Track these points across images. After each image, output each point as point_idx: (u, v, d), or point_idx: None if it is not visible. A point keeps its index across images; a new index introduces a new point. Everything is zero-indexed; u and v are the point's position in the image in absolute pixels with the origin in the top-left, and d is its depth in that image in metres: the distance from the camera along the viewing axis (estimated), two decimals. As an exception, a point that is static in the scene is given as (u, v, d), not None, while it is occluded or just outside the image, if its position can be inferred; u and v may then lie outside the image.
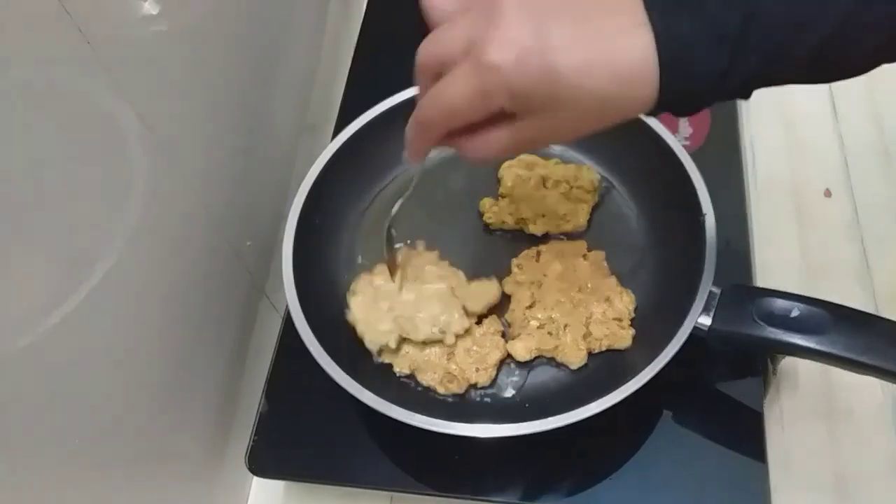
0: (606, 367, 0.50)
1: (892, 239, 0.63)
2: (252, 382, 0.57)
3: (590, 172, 0.57)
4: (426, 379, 0.50)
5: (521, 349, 0.50)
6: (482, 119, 0.34)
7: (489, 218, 0.57)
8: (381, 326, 0.50)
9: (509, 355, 0.51)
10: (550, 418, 0.43)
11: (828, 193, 0.65)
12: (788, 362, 0.55)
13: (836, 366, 0.44)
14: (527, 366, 0.51)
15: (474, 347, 0.50)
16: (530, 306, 0.52)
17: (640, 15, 0.31)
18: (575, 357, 0.50)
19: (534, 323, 0.51)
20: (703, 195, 0.51)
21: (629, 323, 0.51)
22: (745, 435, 0.50)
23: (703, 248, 0.48)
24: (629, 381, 0.44)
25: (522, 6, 0.32)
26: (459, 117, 0.34)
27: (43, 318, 0.34)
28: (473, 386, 0.50)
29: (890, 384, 0.48)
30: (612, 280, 0.52)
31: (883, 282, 0.60)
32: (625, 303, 0.51)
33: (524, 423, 0.44)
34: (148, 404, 0.45)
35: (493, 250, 0.56)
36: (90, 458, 0.39)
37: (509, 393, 0.50)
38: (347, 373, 0.46)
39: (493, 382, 0.50)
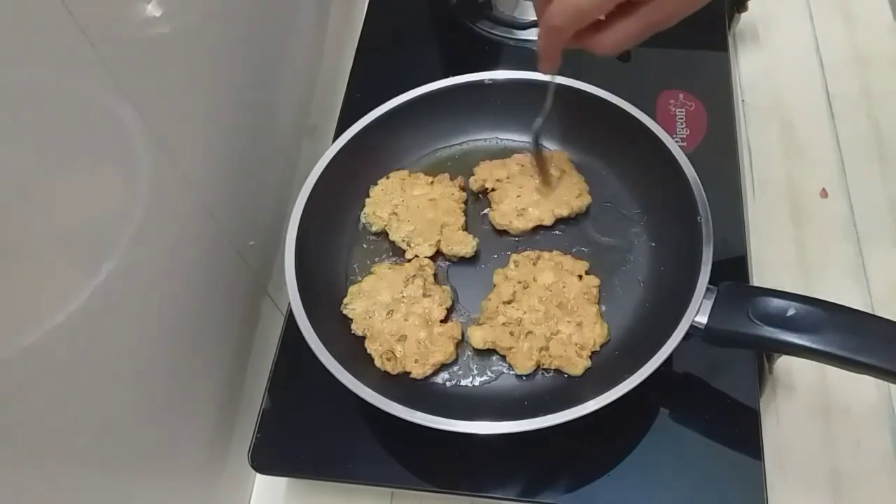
0: (605, 366, 0.50)
1: (888, 239, 0.63)
2: (255, 380, 0.57)
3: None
4: (371, 347, 0.51)
5: (478, 338, 0.51)
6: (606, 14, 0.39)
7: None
8: (381, 211, 0.57)
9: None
10: (549, 415, 0.44)
11: (824, 193, 0.66)
12: (784, 361, 0.55)
13: (832, 364, 0.44)
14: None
15: (426, 342, 0.51)
16: (507, 302, 0.52)
17: None
18: (523, 365, 0.50)
19: (501, 318, 0.51)
20: (699, 195, 0.51)
21: (589, 354, 0.50)
22: (741, 433, 0.50)
23: (700, 248, 0.49)
24: (627, 378, 0.44)
25: None
26: (589, 17, 0.39)
27: (47, 318, 0.35)
28: (406, 374, 0.51)
29: (885, 382, 0.49)
30: (594, 309, 0.52)
31: (878, 281, 0.61)
32: (595, 334, 0.50)
33: (523, 421, 0.44)
34: (151, 402, 0.45)
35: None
36: (94, 455, 0.39)
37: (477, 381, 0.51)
38: (349, 370, 0.46)
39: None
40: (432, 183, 0.59)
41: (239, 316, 0.57)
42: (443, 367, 0.51)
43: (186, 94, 0.47)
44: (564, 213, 0.56)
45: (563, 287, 0.52)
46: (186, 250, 0.48)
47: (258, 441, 0.52)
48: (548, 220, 0.56)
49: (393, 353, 0.51)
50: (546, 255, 0.54)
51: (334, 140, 0.58)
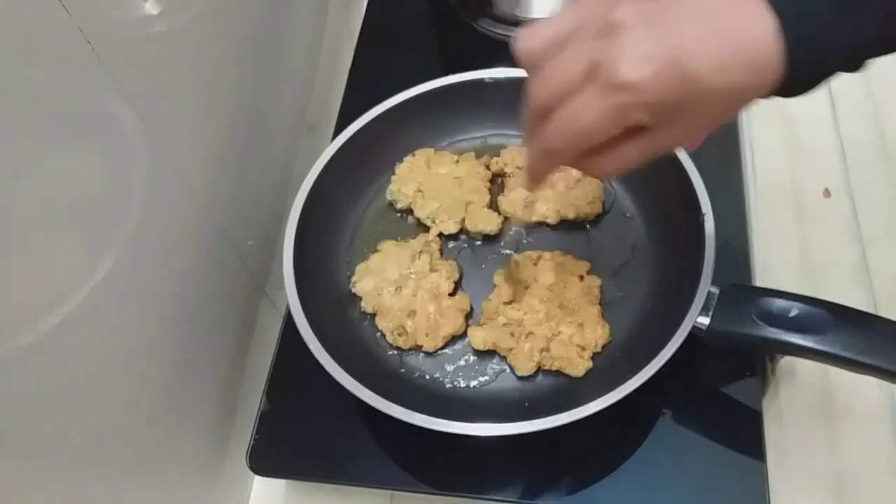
0: (606, 367, 0.50)
1: (891, 239, 0.63)
2: (253, 381, 0.57)
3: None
4: (381, 323, 0.52)
5: (478, 338, 0.51)
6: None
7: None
8: (406, 188, 0.58)
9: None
10: (550, 417, 0.44)
11: (827, 193, 0.65)
12: (787, 362, 0.55)
13: (835, 365, 0.44)
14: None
15: (436, 315, 0.51)
16: (508, 303, 0.52)
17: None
18: (523, 366, 0.50)
19: (501, 319, 0.51)
20: (702, 195, 0.51)
21: (590, 355, 0.50)
22: (743, 434, 0.50)
23: (703, 248, 0.48)
24: (628, 380, 0.44)
25: (640, 16, 0.31)
26: (593, 140, 0.34)
27: (44, 318, 0.34)
28: (419, 347, 0.51)
29: (888, 384, 0.49)
30: (595, 310, 0.52)
31: (882, 281, 0.61)
32: (596, 335, 0.50)
33: (524, 422, 0.44)
34: (149, 404, 0.45)
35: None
36: (91, 457, 0.39)
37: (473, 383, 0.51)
38: (348, 371, 0.46)
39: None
40: (458, 161, 0.59)
41: (237, 316, 0.56)
42: (450, 341, 0.52)
43: (184, 93, 0.47)
44: (570, 215, 0.56)
45: (565, 287, 0.52)
46: (184, 250, 0.48)
47: (256, 443, 0.52)
48: (552, 219, 0.56)
49: (404, 328, 0.51)
50: (547, 255, 0.54)
51: (333, 139, 0.57)
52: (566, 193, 0.56)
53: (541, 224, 0.56)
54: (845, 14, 0.31)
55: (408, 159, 0.59)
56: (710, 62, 0.31)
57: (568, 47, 0.33)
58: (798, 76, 0.32)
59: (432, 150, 0.60)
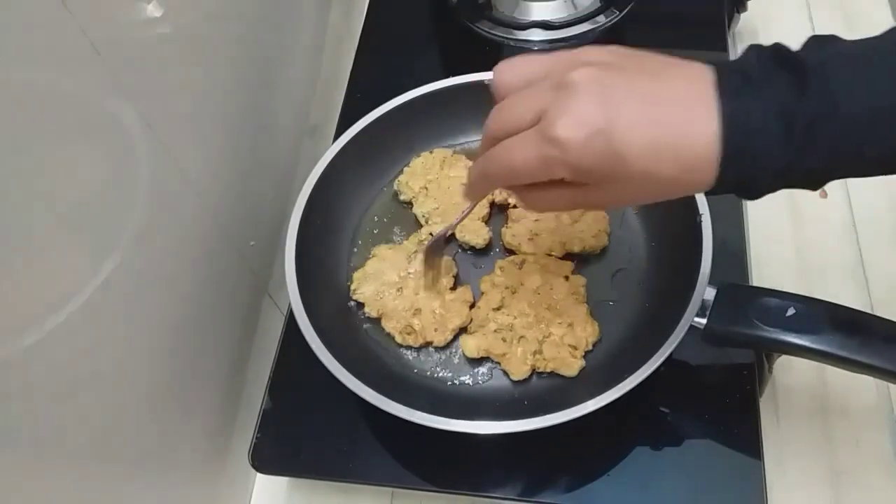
0: (604, 366, 0.50)
1: (888, 239, 0.63)
2: (255, 380, 0.57)
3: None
4: (388, 325, 0.52)
5: (472, 346, 0.51)
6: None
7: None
8: (413, 183, 0.58)
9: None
10: (549, 415, 0.44)
11: (823, 194, 0.66)
12: (784, 361, 0.55)
13: (831, 364, 0.44)
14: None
15: (440, 310, 0.52)
16: (497, 309, 0.52)
17: (711, 99, 0.31)
18: (518, 370, 0.50)
19: (492, 325, 0.51)
20: (699, 196, 0.51)
21: (582, 354, 0.50)
22: (741, 432, 0.50)
23: (700, 248, 0.49)
24: (626, 378, 0.44)
25: (594, 83, 0.32)
26: (520, 178, 0.35)
27: (48, 317, 0.35)
28: (429, 343, 0.52)
29: (884, 382, 0.49)
30: (583, 308, 0.52)
31: (878, 281, 0.61)
32: (586, 333, 0.51)
33: (523, 420, 0.44)
34: (152, 402, 0.45)
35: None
36: (95, 455, 0.39)
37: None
38: (349, 370, 0.47)
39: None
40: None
41: (239, 316, 0.57)
42: (450, 341, 0.52)
43: (187, 94, 0.47)
44: (576, 249, 0.55)
45: (551, 289, 0.53)
46: (187, 251, 0.48)
47: (259, 441, 0.52)
48: (557, 252, 0.55)
49: (411, 327, 0.52)
50: (531, 258, 0.54)
51: (335, 140, 0.58)
52: (571, 226, 0.56)
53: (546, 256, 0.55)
54: (790, 143, 0.31)
55: (425, 155, 0.60)
56: (641, 146, 0.31)
57: (531, 89, 0.34)
58: (735, 186, 0.33)
59: (450, 151, 0.60)
